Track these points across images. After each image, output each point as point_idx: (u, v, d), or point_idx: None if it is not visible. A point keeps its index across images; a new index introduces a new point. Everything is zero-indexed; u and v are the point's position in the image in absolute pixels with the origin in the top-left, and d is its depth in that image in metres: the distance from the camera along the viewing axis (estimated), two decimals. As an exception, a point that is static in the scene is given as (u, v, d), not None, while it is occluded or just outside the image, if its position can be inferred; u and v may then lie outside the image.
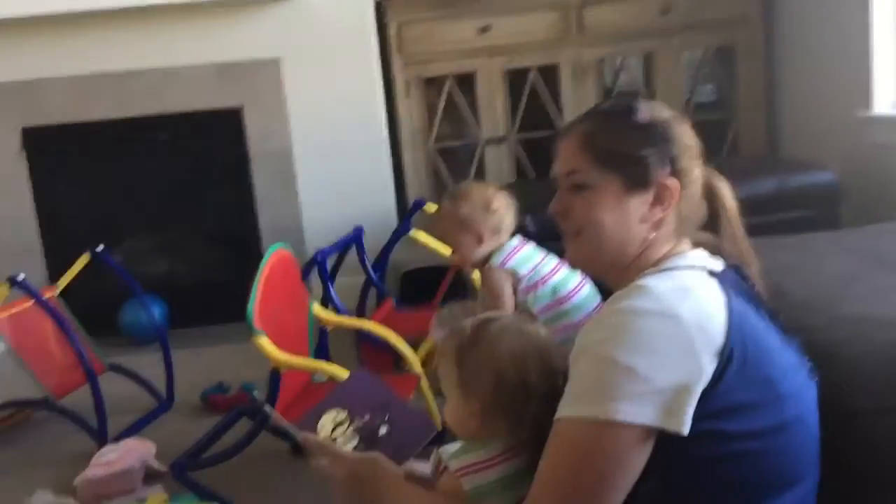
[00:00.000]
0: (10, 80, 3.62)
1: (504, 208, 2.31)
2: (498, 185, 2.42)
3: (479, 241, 2.29)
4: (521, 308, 2.26)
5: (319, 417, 1.43)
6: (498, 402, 1.24)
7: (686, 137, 1.23)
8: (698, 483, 1.09)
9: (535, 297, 2.24)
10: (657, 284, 1.11)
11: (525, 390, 1.23)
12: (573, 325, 2.17)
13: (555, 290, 2.23)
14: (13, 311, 2.74)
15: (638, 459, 1.05)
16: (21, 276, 2.65)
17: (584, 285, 2.24)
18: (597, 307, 2.24)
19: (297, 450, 2.20)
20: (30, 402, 2.80)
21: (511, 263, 2.27)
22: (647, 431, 1.04)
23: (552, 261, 2.28)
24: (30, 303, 2.72)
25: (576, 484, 1.05)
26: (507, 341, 1.25)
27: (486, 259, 2.30)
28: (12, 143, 3.67)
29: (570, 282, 2.24)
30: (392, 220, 3.74)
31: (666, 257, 1.21)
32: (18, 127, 3.67)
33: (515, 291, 2.27)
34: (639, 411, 1.03)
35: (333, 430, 1.42)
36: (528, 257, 2.29)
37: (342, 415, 1.45)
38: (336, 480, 1.28)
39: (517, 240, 2.33)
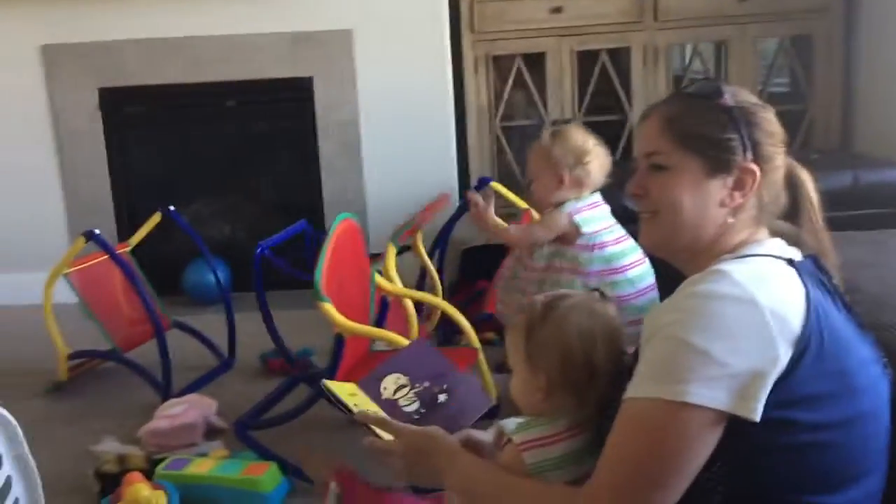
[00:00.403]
0: (89, 40, 3.71)
1: (596, 165, 2.30)
2: (598, 139, 2.37)
3: (560, 184, 2.30)
4: (566, 259, 2.28)
5: (381, 380, 1.47)
6: (563, 378, 1.25)
7: (770, 124, 1.22)
8: (764, 471, 1.08)
9: (589, 258, 2.26)
10: (734, 269, 1.11)
11: (591, 370, 1.24)
12: (620, 297, 2.19)
13: (609, 259, 2.25)
14: (87, 264, 2.83)
15: (707, 443, 1.05)
16: (97, 231, 2.73)
17: (641, 262, 2.25)
18: (647, 287, 2.25)
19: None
20: (98, 353, 2.90)
21: (580, 217, 2.27)
22: (719, 416, 1.04)
23: (618, 231, 2.29)
24: (102, 257, 2.80)
25: (643, 464, 1.06)
26: (577, 319, 1.26)
27: (560, 204, 2.31)
28: (90, 103, 3.77)
29: (628, 255, 2.26)
30: (454, 196, 3.75)
31: (743, 244, 1.20)
32: (96, 87, 3.76)
33: (571, 242, 2.27)
34: (711, 395, 1.03)
35: (395, 391, 1.45)
36: (597, 217, 2.29)
37: (403, 379, 1.48)
38: (396, 454, 1.29)
39: (597, 196, 2.33)
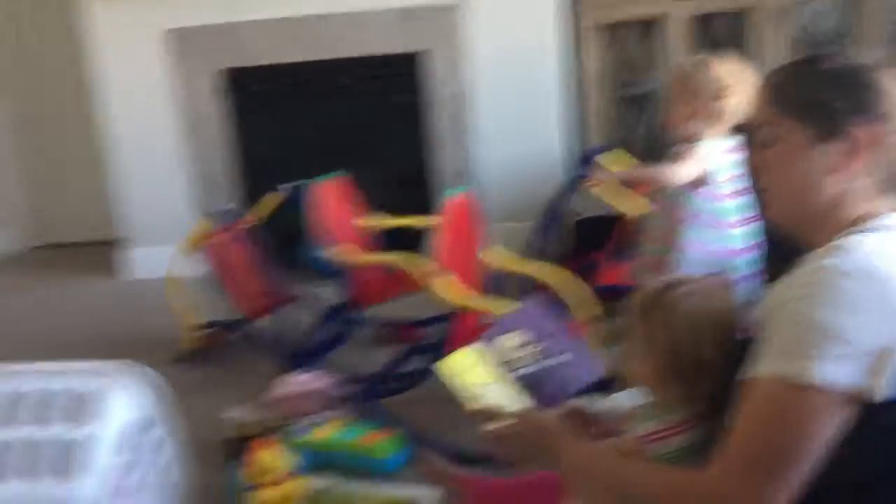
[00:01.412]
0: (210, 23, 3.84)
1: (734, 102, 2.14)
2: (753, 75, 2.18)
3: (693, 115, 2.18)
4: (691, 206, 2.20)
5: (502, 335, 1.48)
6: (672, 368, 1.22)
7: (889, 83, 1.14)
8: (883, 453, 1.05)
9: (711, 207, 2.20)
10: (860, 244, 1.07)
11: (699, 365, 1.20)
12: (730, 251, 2.17)
13: (729, 212, 2.19)
14: (215, 239, 2.97)
15: (835, 422, 1.02)
16: (223, 209, 2.85)
17: (755, 219, 2.18)
18: (754, 245, 2.18)
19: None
20: (227, 324, 3.04)
21: (714, 164, 2.17)
22: (846, 394, 1.01)
23: (741, 184, 2.18)
24: (229, 233, 2.92)
25: (770, 443, 1.03)
26: (688, 309, 1.22)
27: (691, 138, 2.20)
28: (212, 84, 3.91)
29: (743, 210, 2.18)
30: (562, 166, 3.72)
31: (867, 217, 1.15)
32: (217, 68, 3.90)
33: (697, 187, 2.19)
34: (840, 373, 1.00)
35: (513, 351, 1.47)
36: (730, 167, 2.19)
37: (523, 337, 1.49)
38: (512, 439, 1.30)
39: (733, 141, 2.20)
